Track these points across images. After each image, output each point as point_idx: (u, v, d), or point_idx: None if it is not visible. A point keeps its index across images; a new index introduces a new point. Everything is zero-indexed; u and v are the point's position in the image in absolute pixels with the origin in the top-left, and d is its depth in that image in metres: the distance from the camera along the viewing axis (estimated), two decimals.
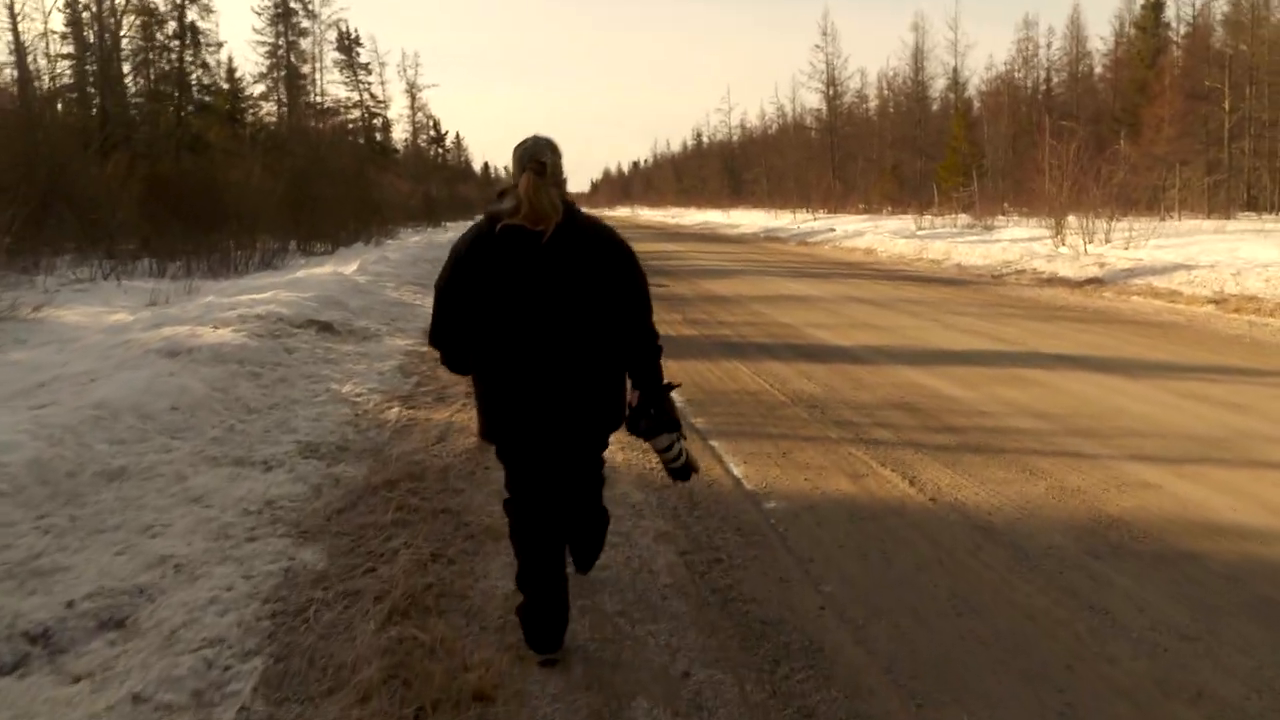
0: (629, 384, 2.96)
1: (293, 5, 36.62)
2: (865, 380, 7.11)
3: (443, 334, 2.86)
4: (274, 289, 10.26)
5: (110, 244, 15.55)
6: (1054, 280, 15.00)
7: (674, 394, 3.04)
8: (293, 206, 23.35)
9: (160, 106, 21.98)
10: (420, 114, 58.58)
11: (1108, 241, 20.40)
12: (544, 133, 2.86)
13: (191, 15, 23.90)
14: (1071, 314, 11.09)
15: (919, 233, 29.10)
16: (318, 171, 24.68)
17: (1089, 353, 8.14)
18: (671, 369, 3.13)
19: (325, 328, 8.46)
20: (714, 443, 5.38)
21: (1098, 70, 47.42)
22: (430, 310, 2.93)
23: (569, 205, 2.77)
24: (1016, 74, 49.06)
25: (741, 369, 7.66)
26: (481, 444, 4.02)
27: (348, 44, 50.60)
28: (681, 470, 3.08)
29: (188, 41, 23.21)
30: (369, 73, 51.23)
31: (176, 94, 22.92)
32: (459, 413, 6.15)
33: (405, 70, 68.15)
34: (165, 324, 8.15)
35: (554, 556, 2.91)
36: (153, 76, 22.78)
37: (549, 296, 2.72)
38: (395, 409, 6.25)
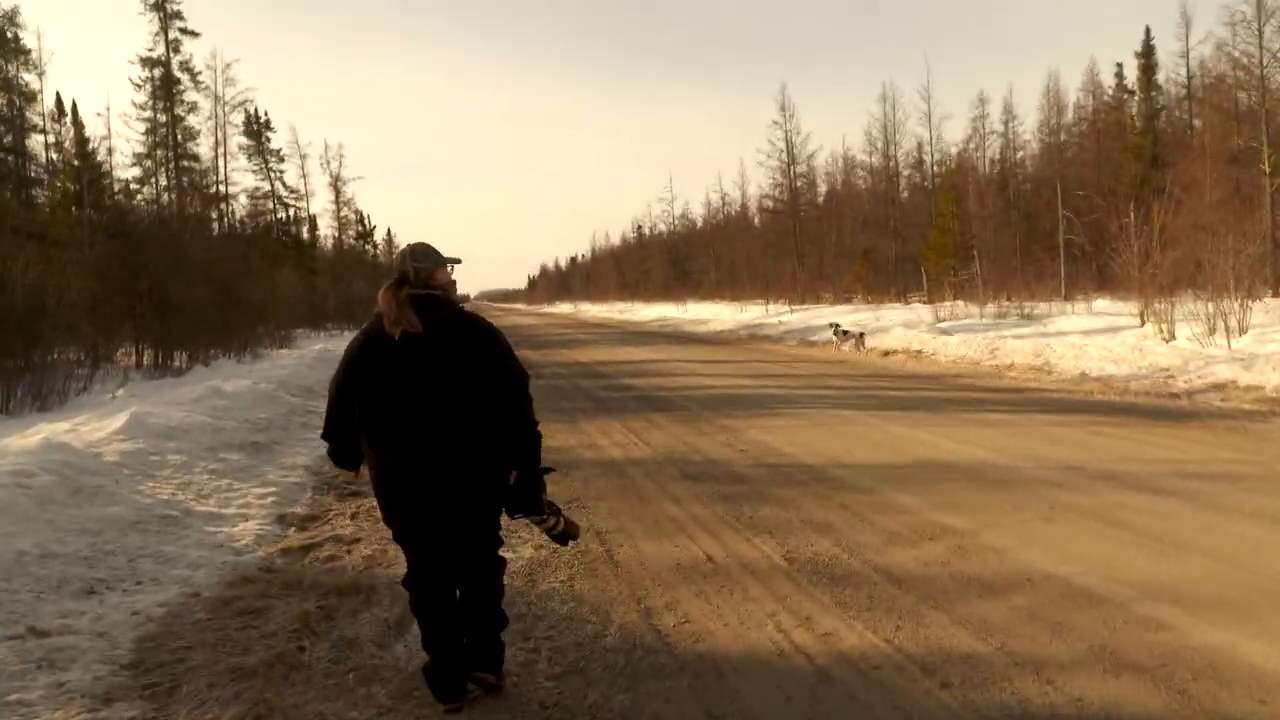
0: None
1: (177, 74, 30.66)
2: None
3: (334, 428, 3.22)
4: None
5: None
6: None
7: None
8: (134, 312, 17.16)
9: None
10: (346, 208, 52.54)
11: (1243, 332, 15.08)
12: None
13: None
14: None
15: (940, 325, 23.66)
16: (176, 267, 18.45)
17: None
18: None
19: None
20: None
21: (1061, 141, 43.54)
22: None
23: (448, 303, 3.14)
24: (974, 151, 45.13)
25: None
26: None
27: (256, 128, 44.90)
28: (560, 537, 3.39)
29: None
30: (280, 160, 45.47)
31: None
32: None
33: (329, 162, 61.91)
34: None
35: (450, 622, 3.21)
36: None
37: (425, 388, 3.03)
38: None
